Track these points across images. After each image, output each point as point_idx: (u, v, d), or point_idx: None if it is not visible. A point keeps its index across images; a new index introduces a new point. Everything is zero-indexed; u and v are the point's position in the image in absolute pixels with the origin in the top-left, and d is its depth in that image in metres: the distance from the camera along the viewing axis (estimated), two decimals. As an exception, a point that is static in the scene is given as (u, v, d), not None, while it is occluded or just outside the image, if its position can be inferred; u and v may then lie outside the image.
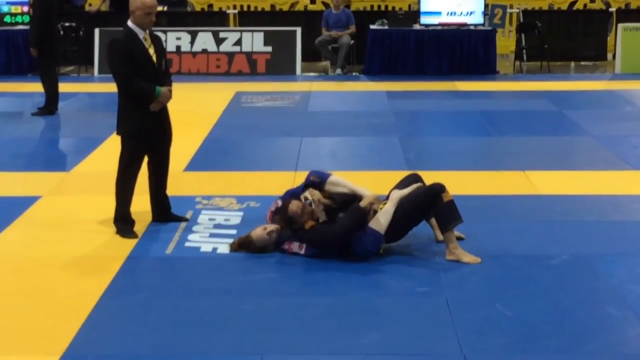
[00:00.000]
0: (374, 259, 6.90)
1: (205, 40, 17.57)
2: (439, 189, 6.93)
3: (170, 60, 7.39)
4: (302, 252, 6.99)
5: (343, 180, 7.32)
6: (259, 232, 7.12)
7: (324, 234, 6.88)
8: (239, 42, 17.56)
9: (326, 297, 6.27)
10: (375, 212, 7.00)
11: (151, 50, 7.42)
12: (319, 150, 10.72)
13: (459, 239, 7.12)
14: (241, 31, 17.81)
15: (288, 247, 7.06)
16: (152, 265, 6.96)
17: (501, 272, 6.70)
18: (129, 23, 7.38)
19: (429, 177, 7.51)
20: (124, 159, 7.55)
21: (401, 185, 7.27)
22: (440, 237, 7.14)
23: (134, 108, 7.45)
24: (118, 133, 7.60)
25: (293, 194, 7.29)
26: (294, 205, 7.00)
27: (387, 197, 7.15)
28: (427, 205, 6.95)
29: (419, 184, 7.15)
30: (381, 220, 6.91)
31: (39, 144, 11.54)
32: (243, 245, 7.12)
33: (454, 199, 6.98)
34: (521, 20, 18.60)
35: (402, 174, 7.72)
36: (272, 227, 7.11)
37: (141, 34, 7.38)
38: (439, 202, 6.88)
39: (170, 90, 7.51)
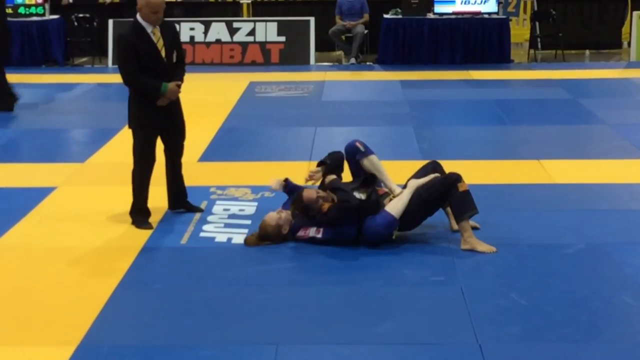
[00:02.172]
0: (388, 248, 6.90)
1: (218, 30, 17.59)
2: (454, 178, 6.92)
3: (184, 51, 7.40)
4: (320, 235, 6.98)
5: (381, 165, 7.36)
6: (270, 214, 7.14)
7: (341, 208, 6.88)
8: (252, 32, 17.57)
9: (341, 287, 6.27)
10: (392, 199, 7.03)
11: (160, 44, 7.36)
12: (333, 140, 10.69)
13: (473, 228, 7.11)
14: (255, 21, 17.82)
15: (304, 233, 7.06)
16: (167, 256, 6.96)
17: (516, 261, 6.69)
18: (138, 17, 7.35)
19: (444, 167, 7.49)
20: (136, 151, 7.55)
21: (420, 172, 7.28)
22: (456, 226, 7.13)
23: (141, 102, 7.43)
24: (129, 126, 7.60)
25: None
26: (308, 192, 7.01)
27: (405, 186, 7.16)
28: (443, 194, 6.94)
29: (436, 174, 7.14)
30: (397, 205, 6.92)
31: (53, 135, 11.55)
32: (261, 235, 7.11)
33: (469, 188, 6.97)
34: (535, 8, 18.57)
35: (416, 164, 7.73)
36: (280, 209, 7.18)
37: (149, 28, 7.32)
38: (455, 191, 6.87)
39: (178, 85, 7.45)
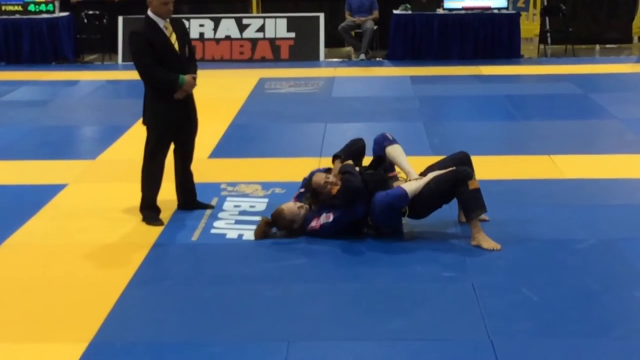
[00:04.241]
0: (399, 243, 6.91)
1: (228, 26, 17.59)
2: (465, 175, 6.90)
3: (194, 46, 7.48)
4: (330, 220, 7.01)
5: (403, 153, 7.42)
6: (290, 204, 7.19)
7: (346, 188, 6.92)
8: (262, 29, 17.57)
9: (352, 283, 6.27)
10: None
11: (173, 38, 7.41)
12: (343, 136, 10.63)
13: (482, 220, 7.11)
14: (264, 17, 17.81)
15: (316, 223, 7.06)
16: (178, 253, 6.98)
17: (527, 257, 6.69)
18: (149, 12, 7.39)
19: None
20: (149, 147, 7.56)
21: (447, 160, 7.32)
22: (464, 218, 7.14)
23: (159, 98, 7.45)
24: (144, 123, 7.61)
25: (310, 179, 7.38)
26: (317, 177, 7.10)
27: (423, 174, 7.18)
28: (450, 190, 6.92)
29: (453, 168, 7.11)
30: (411, 185, 6.96)
31: (64, 132, 11.58)
32: (273, 219, 7.14)
33: (480, 183, 6.95)
34: (545, 3, 18.51)
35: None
36: (301, 203, 7.18)
37: (161, 22, 7.38)
38: (465, 189, 6.86)
39: (194, 78, 7.50)
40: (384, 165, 7.34)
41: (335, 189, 7.01)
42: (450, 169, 7.08)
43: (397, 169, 7.45)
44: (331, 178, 7.09)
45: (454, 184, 6.89)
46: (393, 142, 7.48)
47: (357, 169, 7.23)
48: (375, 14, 17.38)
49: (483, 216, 7.19)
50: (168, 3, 7.34)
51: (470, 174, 6.92)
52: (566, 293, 6.01)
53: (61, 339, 5.49)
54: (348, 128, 11.14)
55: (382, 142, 7.49)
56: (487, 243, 6.84)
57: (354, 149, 7.46)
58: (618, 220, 7.46)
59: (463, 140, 10.50)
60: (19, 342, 5.47)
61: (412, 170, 7.29)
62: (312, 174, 7.41)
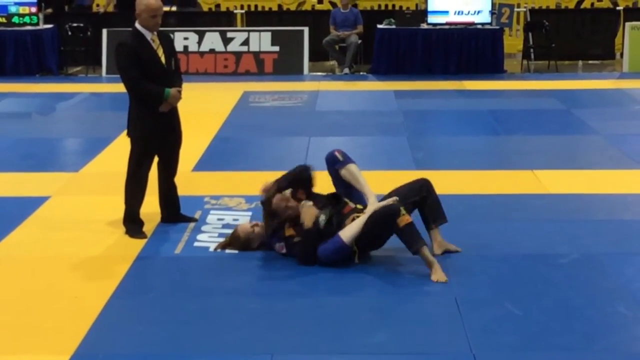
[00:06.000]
0: (382, 258, 6.90)
1: (212, 40, 17.60)
2: (391, 214, 6.64)
3: (179, 60, 7.49)
4: (284, 251, 6.97)
5: (360, 174, 7.19)
6: (244, 225, 7.22)
7: (297, 253, 6.88)
8: (246, 42, 17.59)
9: (335, 297, 6.27)
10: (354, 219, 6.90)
11: (159, 52, 7.42)
12: (326, 150, 10.60)
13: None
14: (249, 31, 17.84)
15: (278, 248, 7.04)
16: (161, 266, 6.97)
17: (510, 271, 6.70)
18: (137, 25, 7.39)
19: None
20: (133, 160, 7.55)
21: (406, 187, 7.18)
22: (438, 250, 7.00)
23: (143, 110, 7.45)
24: (128, 135, 7.61)
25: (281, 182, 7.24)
26: (278, 198, 6.99)
27: (388, 195, 7.07)
28: (381, 228, 6.73)
29: (395, 198, 6.91)
30: (349, 231, 6.78)
31: (47, 144, 11.55)
32: (231, 241, 7.18)
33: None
34: (528, 19, 18.61)
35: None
36: (255, 222, 7.22)
37: (148, 35, 7.38)
38: (396, 228, 6.64)
39: (179, 91, 7.50)
40: (340, 204, 7.03)
41: (289, 232, 6.90)
42: (394, 198, 6.87)
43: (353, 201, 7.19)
44: (292, 203, 6.98)
45: (385, 224, 6.69)
46: (345, 162, 7.21)
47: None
48: (360, 28, 17.43)
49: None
50: (156, 16, 7.35)
51: (397, 211, 6.62)
52: (549, 307, 6.03)
53: (43, 351, 5.47)
54: (332, 142, 11.13)
55: (333, 164, 7.26)
56: (435, 275, 6.56)
57: (301, 178, 7.20)
58: (600, 235, 7.49)
59: (446, 154, 10.55)
60: (1, 354, 5.44)
61: (370, 194, 7.04)
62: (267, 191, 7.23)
